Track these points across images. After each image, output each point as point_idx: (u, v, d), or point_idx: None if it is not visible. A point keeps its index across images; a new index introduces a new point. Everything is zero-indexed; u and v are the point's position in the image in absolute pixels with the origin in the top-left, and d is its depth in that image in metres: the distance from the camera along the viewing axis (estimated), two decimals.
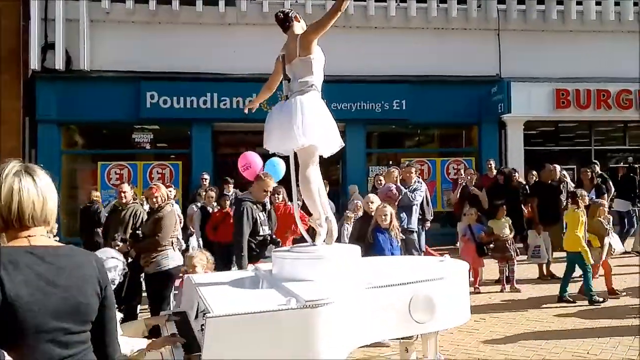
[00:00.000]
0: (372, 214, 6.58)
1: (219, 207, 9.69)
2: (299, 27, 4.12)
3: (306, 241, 4.14)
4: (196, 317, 3.57)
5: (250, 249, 5.83)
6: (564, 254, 10.75)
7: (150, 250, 6.18)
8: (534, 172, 11.50)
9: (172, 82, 13.30)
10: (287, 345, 2.96)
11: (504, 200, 9.64)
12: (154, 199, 6.46)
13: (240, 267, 5.55)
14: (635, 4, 15.13)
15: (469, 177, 10.77)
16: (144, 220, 6.96)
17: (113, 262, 3.85)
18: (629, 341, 5.91)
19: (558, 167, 10.84)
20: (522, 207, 10.39)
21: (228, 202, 9.58)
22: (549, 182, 10.25)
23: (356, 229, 6.92)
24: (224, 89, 13.40)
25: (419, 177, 8.85)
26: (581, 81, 14.45)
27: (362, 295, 3.35)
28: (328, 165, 12.79)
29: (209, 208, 9.91)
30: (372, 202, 6.83)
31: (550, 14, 14.86)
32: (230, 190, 10.49)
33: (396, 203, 7.44)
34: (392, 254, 6.17)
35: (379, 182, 9.66)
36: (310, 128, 3.85)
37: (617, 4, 15.06)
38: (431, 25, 14.51)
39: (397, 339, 4.27)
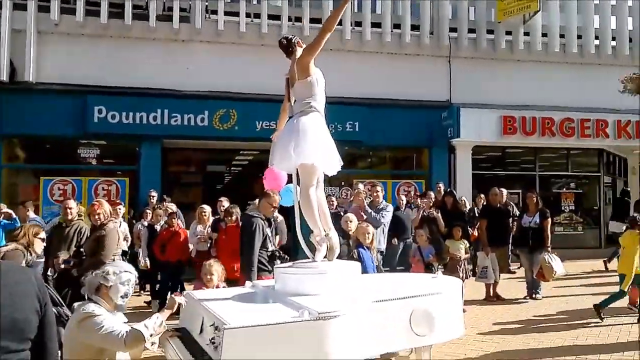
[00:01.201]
0: (350, 232, 6.83)
1: (166, 226, 9.48)
2: (301, 52, 4.33)
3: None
4: (200, 332, 3.60)
5: (261, 264, 6.10)
6: (508, 276, 11.04)
7: (95, 269, 5.95)
8: (482, 196, 11.74)
9: (122, 97, 13.00)
10: (300, 356, 3.12)
11: (460, 222, 9.83)
12: (96, 216, 6.26)
13: (249, 281, 5.62)
14: (579, 36, 15.80)
15: (427, 200, 10.74)
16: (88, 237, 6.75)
17: (127, 276, 3.77)
18: None
19: (505, 191, 11.08)
20: (469, 229, 10.56)
21: (175, 221, 9.40)
22: (498, 205, 10.48)
23: None
24: (175, 105, 13.20)
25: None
26: (527, 109, 14.93)
27: (367, 308, 3.50)
28: None
29: (156, 226, 9.68)
30: (350, 222, 7.08)
31: (499, 43, 15.34)
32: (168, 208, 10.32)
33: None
34: (373, 271, 6.36)
35: (331, 203, 9.71)
36: (308, 148, 4.05)
37: (562, 36, 15.70)
38: (385, 49, 14.75)
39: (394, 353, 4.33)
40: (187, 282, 9.64)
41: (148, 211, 10.22)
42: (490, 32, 15.42)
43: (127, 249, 9.08)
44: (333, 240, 4.26)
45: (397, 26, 14.83)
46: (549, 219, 9.81)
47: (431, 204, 10.45)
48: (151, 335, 3.47)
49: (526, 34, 15.50)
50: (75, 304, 4.42)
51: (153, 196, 11.25)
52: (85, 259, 6.20)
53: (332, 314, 3.19)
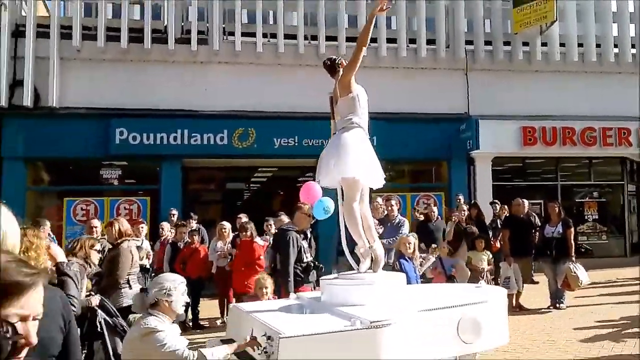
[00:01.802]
0: None
1: (188, 242, 9.53)
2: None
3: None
4: None
5: (296, 275, 6.26)
6: (532, 286, 10.87)
7: (112, 289, 6.00)
8: (506, 207, 11.64)
9: (142, 119, 13.23)
10: None
11: (483, 234, 9.76)
12: (106, 234, 6.38)
13: (287, 291, 5.90)
14: (597, 45, 15.66)
15: (458, 214, 10.51)
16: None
17: (183, 287, 3.82)
18: None
19: (526, 202, 10.97)
20: (491, 240, 10.45)
21: (196, 238, 9.47)
22: (521, 216, 10.38)
23: None
24: (194, 125, 13.38)
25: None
26: (547, 119, 14.79)
27: (417, 317, 3.60)
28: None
29: (179, 244, 9.72)
30: None
31: (516, 55, 15.27)
32: (193, 225, 10.37)
33: None
34: (416, 281, 6.42)
35: None
36: (349, 162, 4.19)
37: (580, 45, 15.57)
38: (401, 64, 14.78)
39: None
40: (207, 298, 9.70)
41: (171, 230, 10.27)
42: (506, 43, 15.36)
43: (149, 267, 9.14)
44: (377, 252, 4.36)
45: (412, 41, 14.86)
46: (572, 229, 9.68)
47: (464, 217, 10.37)
48: None
49: (544, 44, 15.40)
50: (132, 316, 4.53)
51: (174, 214, 11.33)
52: (103, 279, 6.28)
53: (384, 322, 3.27)
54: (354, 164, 4.20)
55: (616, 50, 15.80)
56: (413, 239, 6.89)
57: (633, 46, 15.88)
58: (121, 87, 13.30)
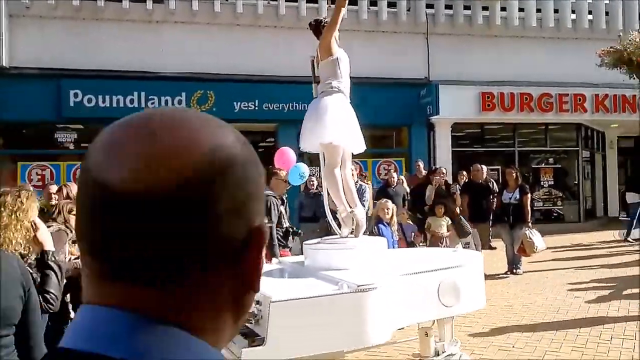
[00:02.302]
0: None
1: None
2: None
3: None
4: None
5: (277, 240, 6.37)
6: (490, 252, 11.17)
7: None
8: (464, 172, 11.81)
9: (97, 80, 12.80)
10: (340, 326, 3.30)
11: (441, 199, 9.89)
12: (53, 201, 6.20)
13: (273, 255, 5.93)
14: (555, 11, 15.83)
15: (438, 177, 10.53)
16: None
17: None
18: (550, 334, 6.13)
19: (485, 168, 11.16)
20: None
21: None
22: (479, 182, 10.55)
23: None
24: (151, 87, 13.05)
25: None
26: (505, 85, 14.97)
27: (398, 281, 3.67)
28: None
29: None
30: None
31: (476, 19, 15.32)
32: None
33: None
34: (393, 247, 6.49)
35: (312, 183, 9.67)
36: (328, 127, 4.15)
37: (538, 10, 15.71)
38: (362, 27, 14.61)
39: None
40: None
41: None
42: (467, 7, 15.37)
43: None
44: (359, 216, 4.38)
45: (373, 3, 14.70)
46: (529, 195, 9.91)
47: (443, 180, 10.46)
48: None
49: (503, 9, 15.48)
50: None
51: None
52: None
53: (370, 286, 3.35)
54: (332, 128, 4.16)
55: (573, 16, 16.02)
56: (391, 204, 7.00)
57: (590, 12, 16.12)
58: (73, 46, 12.78)
